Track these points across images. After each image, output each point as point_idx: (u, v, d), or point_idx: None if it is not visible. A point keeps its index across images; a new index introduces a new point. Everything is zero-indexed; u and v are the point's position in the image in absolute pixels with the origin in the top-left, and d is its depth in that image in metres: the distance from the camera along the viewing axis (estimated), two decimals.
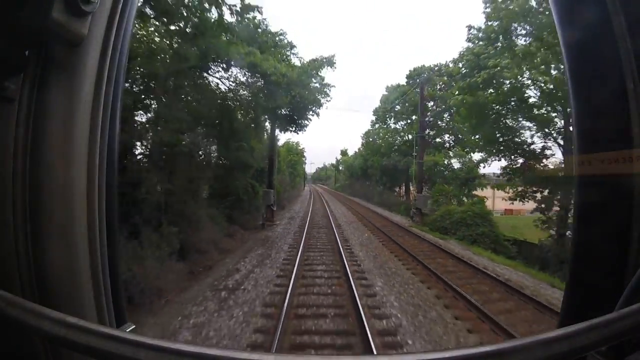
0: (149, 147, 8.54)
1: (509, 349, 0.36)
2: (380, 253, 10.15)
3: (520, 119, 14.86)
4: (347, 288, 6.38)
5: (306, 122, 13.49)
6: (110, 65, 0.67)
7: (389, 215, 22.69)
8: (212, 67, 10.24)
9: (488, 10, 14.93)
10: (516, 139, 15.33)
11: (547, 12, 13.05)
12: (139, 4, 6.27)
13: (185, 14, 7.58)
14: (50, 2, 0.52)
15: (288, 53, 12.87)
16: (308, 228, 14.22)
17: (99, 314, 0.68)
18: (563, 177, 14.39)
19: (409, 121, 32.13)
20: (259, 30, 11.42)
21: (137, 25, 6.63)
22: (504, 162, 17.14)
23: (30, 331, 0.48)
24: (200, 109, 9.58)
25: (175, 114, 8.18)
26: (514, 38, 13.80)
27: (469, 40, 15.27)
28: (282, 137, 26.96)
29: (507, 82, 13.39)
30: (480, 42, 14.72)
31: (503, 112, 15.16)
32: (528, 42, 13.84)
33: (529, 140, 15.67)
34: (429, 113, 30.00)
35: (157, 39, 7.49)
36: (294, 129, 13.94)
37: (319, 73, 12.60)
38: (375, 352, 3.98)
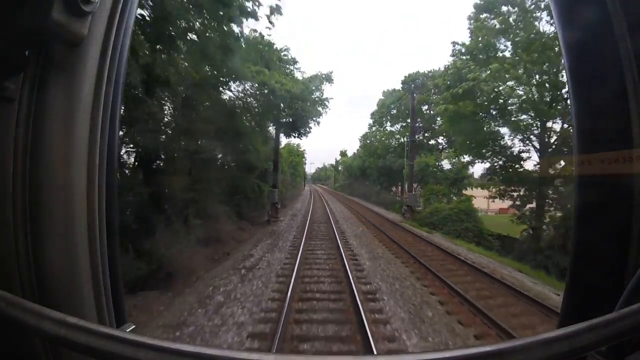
0: (176, 153, 10.20)
1: (509, 349, 0.36)
2: (371, 242, 11.85)
3: (499, 125, 16.50)
4: (342, 265, 8.04)
5: (307, 129, 15.14)
6: (110, 66, 0.67)
7: (384, 212, 24.39)
8: (228, 82, 11.90)
9: (472, 27, 16.70)
10: (496, 143, 17.02)
11: (523, 29, 14.77)
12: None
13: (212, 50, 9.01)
14: (50, 2, 0.52)
15: (291, 67, 14.55)
16: (309, 223, 15.89)
17: (99, 314, 0.68)
18: (538, 177, 16.10)
19: (404, 124, 33.80)
20: (267, 48, 13.07)
21: (171, 54, 8.19)
22: (487, 164, 18.96)
23: (30, 331, 0.46)
24: (216, 118, 11.23)
25: (197, 126, 9.84)
26: (492, 54, 15.43)
27: (453, 55, 16.94)
28: (284, 140, 28.50)
29: (486, 93, 15.04)
30: (463, 57, 16.38)
31: (485, 118, 16.87)
32: (508, 55, 15.57)
33: (509, 144, 17.42)
34: (423, 117, 31.75)
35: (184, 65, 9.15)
36: (296, 135, 15.59)
37: (319, 88, 14.24)
38: (366, 324, 4.67)
